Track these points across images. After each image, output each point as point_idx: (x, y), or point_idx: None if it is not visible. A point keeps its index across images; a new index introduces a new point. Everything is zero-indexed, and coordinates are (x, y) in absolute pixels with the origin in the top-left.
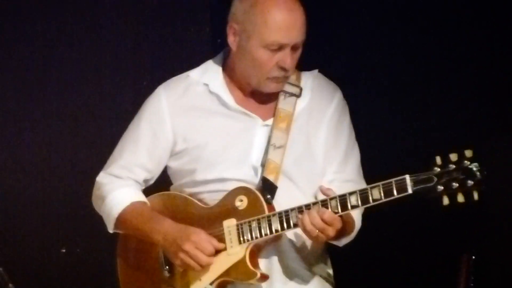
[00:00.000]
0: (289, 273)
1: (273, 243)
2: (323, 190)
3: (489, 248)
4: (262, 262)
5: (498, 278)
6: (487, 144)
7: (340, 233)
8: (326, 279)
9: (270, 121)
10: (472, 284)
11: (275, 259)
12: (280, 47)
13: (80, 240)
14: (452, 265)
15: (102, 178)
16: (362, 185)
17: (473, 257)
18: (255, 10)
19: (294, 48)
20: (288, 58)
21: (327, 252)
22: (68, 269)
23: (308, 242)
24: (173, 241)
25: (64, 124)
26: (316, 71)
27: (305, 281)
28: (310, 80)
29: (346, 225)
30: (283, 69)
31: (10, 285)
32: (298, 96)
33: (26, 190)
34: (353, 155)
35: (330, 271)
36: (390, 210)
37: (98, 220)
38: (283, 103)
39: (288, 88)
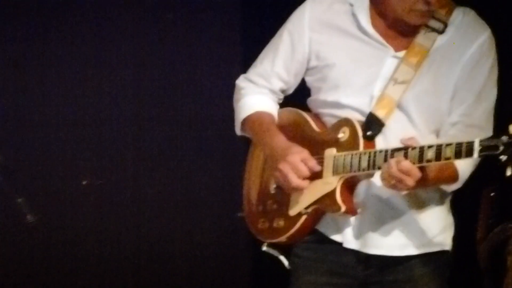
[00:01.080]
0: (386, 212)
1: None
2: (403, 141)
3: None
4: (358, 197)
5: None
6: None
7: (426, 182)
8: (437, 224)
9: (401, 53)
10: (490, 221)
11: (371, 195)
12: None
13: (101, 172)
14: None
15: (240, 81)
16: (489, 133)
17: (493, 193)
18: None
19: None
20: None
21: (448, 205)
22: (89, 202)
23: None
24: (275, 158)
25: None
26: (468, 8)
27: (406, 222)
28: (460, 17)
29: (441, 174)
30: (427, 3)
31: (28, 216)
32: (440, 32)
33: (48, 122)
34: (486, 100)
35: (440, 214)
36: None
37: (119, 153)
38: (422, 37)
39: (432, 23)
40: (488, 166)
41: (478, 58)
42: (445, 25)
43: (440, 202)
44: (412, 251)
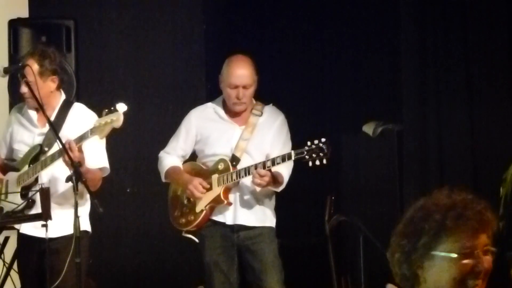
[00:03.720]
0: (245, 203)
1: (237, 187)
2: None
3: (344, 191)
4: (231, 196)
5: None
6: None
7: (274, 183)
8: (270, 211)
9: (243, 127)
10: (332, 211)
11: (238, 195)
12: (235, 87)
13: (142, 182)
14: (321, 202)
15: (161, 153)
16: (291, 162)
17: (333, 197)
18: (224, 68)
19: (244, 87)
20: (239, 93)
21: (273, 194)
22: (132, 206)
23: (257, 188)
24: (184, 185)
25: None
26: (271, 105)
27: (255, 209)
28: (268, 109)
29: (278, 178)
30: (238, 98)
31: (100, 209)
32: (260, 115)
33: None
34: (287, 146)
35: (271, 206)
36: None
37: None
38: (252, 118)
39: (255, 112)
40: (329, 181)
41: (280, 127)
42: (262, 113)
43: (270, 201)
44: (258, 224)
